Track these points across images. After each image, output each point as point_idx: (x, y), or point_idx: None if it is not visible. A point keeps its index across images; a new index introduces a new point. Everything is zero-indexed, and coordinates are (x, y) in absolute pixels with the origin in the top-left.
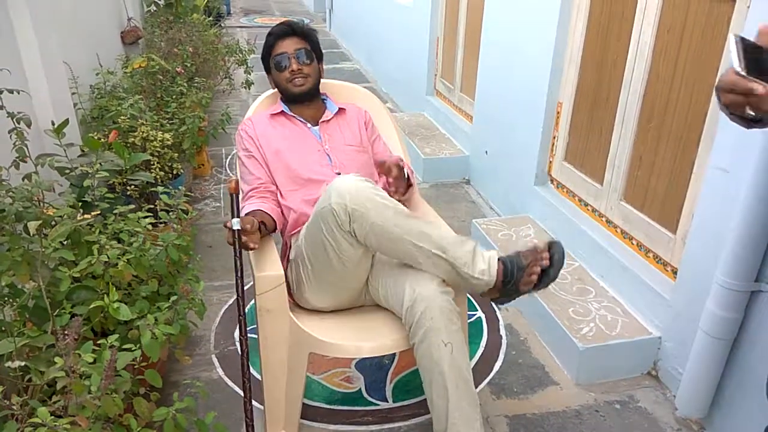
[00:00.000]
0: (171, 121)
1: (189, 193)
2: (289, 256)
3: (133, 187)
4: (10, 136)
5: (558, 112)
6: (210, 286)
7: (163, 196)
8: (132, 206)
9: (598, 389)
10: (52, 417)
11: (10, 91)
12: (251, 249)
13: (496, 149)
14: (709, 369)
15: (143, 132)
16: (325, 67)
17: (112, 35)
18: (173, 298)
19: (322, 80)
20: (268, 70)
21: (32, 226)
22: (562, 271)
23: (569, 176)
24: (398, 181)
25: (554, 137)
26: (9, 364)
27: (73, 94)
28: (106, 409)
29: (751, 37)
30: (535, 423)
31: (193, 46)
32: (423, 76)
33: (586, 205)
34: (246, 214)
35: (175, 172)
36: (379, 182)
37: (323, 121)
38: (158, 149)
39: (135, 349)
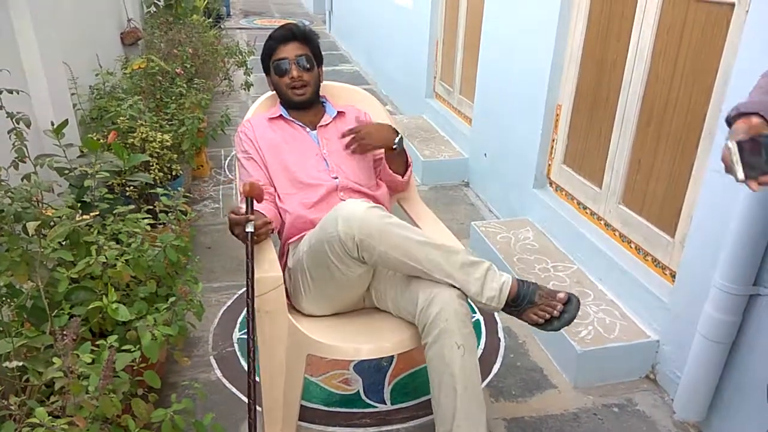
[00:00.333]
0: (170, 122)
1: (188, 194)
2: (286, 262)
3: (132, 188)
4: (10, 137)
5: (557, 115)
6: (209, 288)
7: (162, 198)
8: (131, 207)
9: (596, 392)
10: (50, 417)
11: (10, 92)
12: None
13: (495, 152)
14: (708, 372)
15: (142, 133)
16: (324, 69)
17: (111, 36)
18: (172, 299)
19: (321, 83)
20: (267, 71)
21: (31, 226)
22: (560, 273)
23: (568, 179)
24: (357, 140)
25: (553, 140)
26: (7, 364)
27: (72, 94)
28: (104, 410)
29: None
30: (534, 426)
31: (193, 48)
32: (422, 79)
33: (585, 208)
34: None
35: (174, 173)
36: (380, 187)
37: (321, 126)
38: (157, 150)
39: (134, 350)
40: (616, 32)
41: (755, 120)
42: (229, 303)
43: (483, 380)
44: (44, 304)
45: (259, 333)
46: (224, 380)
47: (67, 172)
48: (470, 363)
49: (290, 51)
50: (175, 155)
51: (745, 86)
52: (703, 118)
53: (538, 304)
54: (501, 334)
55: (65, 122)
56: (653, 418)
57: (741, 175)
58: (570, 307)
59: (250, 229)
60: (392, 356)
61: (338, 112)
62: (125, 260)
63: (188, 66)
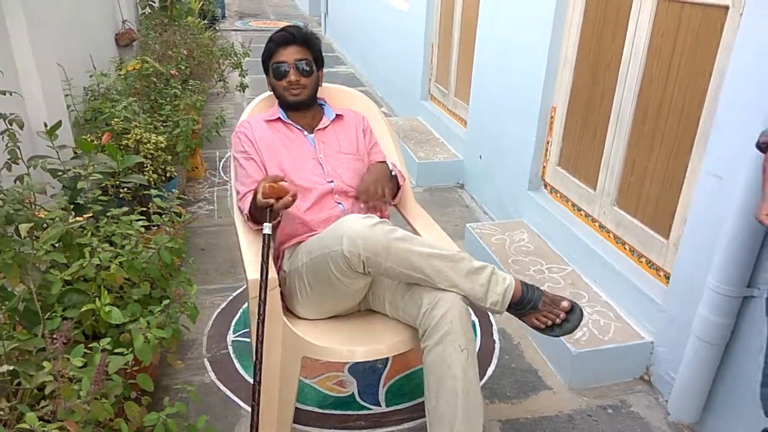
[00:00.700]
0: (165, 124)
1: (182, 197)
2: (281, 265)
3: (125, 189)
4: (2, 138)
5: (552, 117)
6: (203, 290)
7: (156, 199)
8: (125, 209)
9: (590, 394)
10: (41, 422)
11: (3, 93)
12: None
13: (490, 154)
14: (702, 374)
15: (137, 134)
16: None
17: (106, 37)
18: (165, 302)
19: (320, 86)
20: (266, 72)
21: (23, 228)
22: (555, 275)
23: (563, 181)
24: (376, 201)
25: (548, 142)
26: None
27: (66, 95)
28: (96, 414)
29: None
30: (528, 428)
31: (188, 49)
32: (418, 81)
33: (579, 210)
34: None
35: (168, 174)
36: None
37: (319, 129)
38: (151, 152)
39: (127, 353)
40: (611, 34)
41: None
42: (223, 305)
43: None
44: (36, 307)
45: (253, 335)
46: (218, 383)
47: (60, 173)
48: (471, 367)
49: (290, 54)
50: (170, 157)
51: (739, 89)
52: (697, 121)
53: (541, 311)
54: (496, 336)
55: (58, 123)
56: (647, 419)
57: None
58: (573, 316)
59: (267, 231)
60: (387, 358)
61: (336, 115)
62: (119, 262)
63: (183, 67)
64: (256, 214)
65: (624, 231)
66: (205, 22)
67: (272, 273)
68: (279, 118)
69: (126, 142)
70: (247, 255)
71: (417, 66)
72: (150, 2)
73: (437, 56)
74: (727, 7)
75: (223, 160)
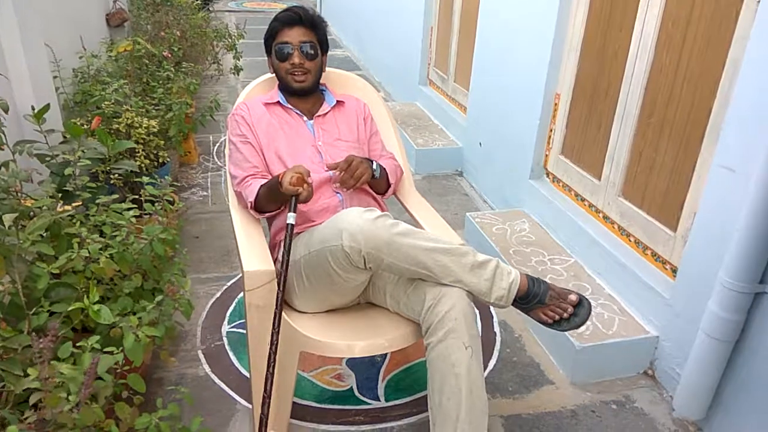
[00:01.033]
0: (157, 107)
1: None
2: (277, 256)
3: (116, 175)
4: None
5: (555, 104)
6: (196, 279)
7: (148, 187)
8: (115, 196)
9: (594, 389)
10: None
11: None
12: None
13: (490, 141)
14: (709, 371)
15: (128, 118)
16: None
17: (96, 17)
18: (158, 297)
19: (324, 71)
20: (268, 52)
21: (8, 218)
22: (557, 267)
23: (566, 170)
24: (345, 177)
25: (551, 130)
26: None
27: (55, 77)
28: (85, 420)
29: None
30: (531, 423)
31: (181, 30)
32: (416, 65)
33: (583, 200)
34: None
35: (160, 160)
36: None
37: (318, 116)
38: (143, 136)
39: (117, 353)
40: (619, 22)
41: None
42: (217, 295)
43: None
44: (22, 302)
45: (249, 329)
46: (213, 376)
47: (48, 159)
48: (476, 365)
49: (294, 36)
50: (162, 142)
51: (754, 80)
52: (708, 112)
53: (548, 305)
54: (497, 328)
55: (46, 107)
56: (652, 415)
57: None
58: (581, 310)
59: (291, 221)
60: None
61: (337, 102)
62: (109, 255)
63: (176, 49)
64: (265, 203)
65: (629, 222)
66: (198, 2)
67: (269, 266)
68: (278, 102)
69: (117, 126)
70: (244, 245)
71: (415, 50)
72: None
73: (436, 40)
74: None
75: (217, 144)
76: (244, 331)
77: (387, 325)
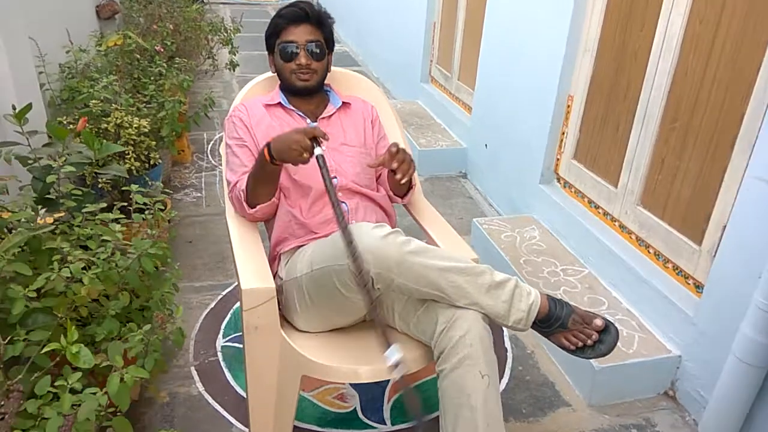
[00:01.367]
0: (148, 105)
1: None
2: (277, 271)
3: (105, 179)
4: None
5: (568, 106)
6: (189, 287)
7: (136, 196)
8: (102, 205)
9: (612, 411)
10: None
11: None
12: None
13: (497, 143)
14: (740, 397)
15: (117, 118)
16: None
17: (86, 9)
18: (146, 327)
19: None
20: (270, 50)
21: None
22: (570, 278)
23: (579, 176)
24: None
25: (563, 133)
26: None
27: (40, 73)
28: None
29: None
30: None
31: (174, 23)
32: (417, 62)
33: (597, 207)
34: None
35: (152, 162)
36: (380, 189)
37: (323, 118)
38: (134, 137)
39: (101, 395)
40: (640, 20)
41: None
42: (212, 305)
43: None
44: None
45: (247, 350)
46: (207, 395)
47: (30, 162)
48: (494, 396)
49: (301, 34)
50: (154, 142)
51: None
52: (740, 119)
53: (571, 330)
54: (507, 344)
55: (28, 107)
56: None
57: None
58: (607, 337)
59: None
60: None
61: (343, 103)
62: (94, 274)
63: (169, 43)
64: (254, 185)
65: (648, 233)
66: None
67: (268, 282)
68: (279, 103)
69: (105, 125)
70: (241, 259)
71: (417, 46)
72: None
73: (439, 36)
74: None
75: (212, 143)
76: (240, 346)
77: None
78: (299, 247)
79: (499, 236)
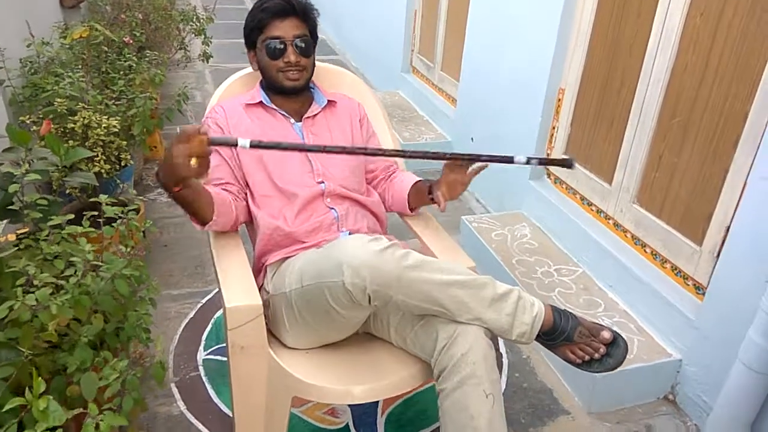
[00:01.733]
0: (117, 102)
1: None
2: (263, 284)
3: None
4: None
5: (559, 99)
6: (167, 296)
7: (106, 208)
8: (70, 216)
9: (612, 418)
10: None
11: None
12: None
13: (484, 136)
14: (747, 404)
15: (84, 118)
16: None
17: None
18: (123, 363)
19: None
20: (251, 47)
21: None
22: (565, 278)
23: (570, 172)
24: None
25: (554, 127)
26: None
27: None
28: None
29: None
30: None
31: (143, 12)
32: (398, 51)
33: (590, 204)
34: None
35: (123, 163)
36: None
37: (307, 117)
38: (102, 138)
39: None
40: (635, 11)
41: None
42: (191, 314)
43: None
44: None
45: (233, 371)
46: (189, 414)
47: None
48: (498, 415)
49: (287, 29)
50: (124, 142)
51: None
52: (744, 117)
53: (577, 343)
54: (503, 349)
55: None
56: None
57: None
58: (616, 350)
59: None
60: None
61: (328, 101)
62: (62, 301)
63: (138, 34)
64: (186, 209)
65: (645, 232)
66: None
67: (254, 299)
68: (260, 102)
69: (72, 125)
70: (224, 275)
71: (397, 35)
72: None
73: (420, 25)
74: None
75: None
76: (223, 358)
77: (391, 364)
78: (286, 258)
79: (490, 235)
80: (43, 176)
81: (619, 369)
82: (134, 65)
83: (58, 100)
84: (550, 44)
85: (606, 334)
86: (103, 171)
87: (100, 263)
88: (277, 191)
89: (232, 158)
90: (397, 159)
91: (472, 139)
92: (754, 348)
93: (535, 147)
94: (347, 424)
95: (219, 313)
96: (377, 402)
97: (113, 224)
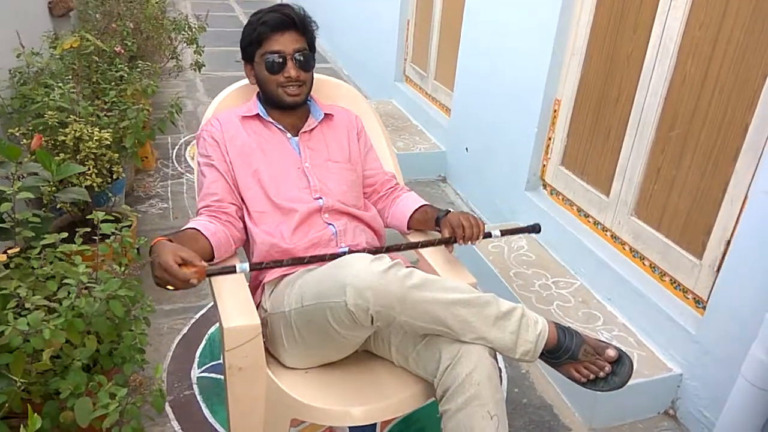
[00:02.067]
0: (109, 113)
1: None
2: (261, 302)
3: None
4: None
5: (555, 111)
6: (159, 311)
7: (102, 225)
8: (63, 235)
9: None
10: None
11: None
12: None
13: (478, 146)
14: (751, 421)
15: (76, 130)
16: None
17: (37, 7)
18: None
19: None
20: (249, 60)
21: None
22: (563, 291)
23: (567, 183)
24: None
25: (550, 138)
26: None
27: None
28: None
29: None
30: None
31: (135, 21)
32: (391, 60)
33: (587, 216)
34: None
35: (114, 176)
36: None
37: (304, 132)
38: (94, 150)
39: None
40: (632, 23)
41: None
42: (184, 330)
43: None
44: None
45: (230, 392)
46: None
47: None
48: None
49: (287, 43)
50: (116, 154)
51: None
52: (744, 129)
53: (582, 361)
54: (502, 365)
55: None
56: None
57: None
58: (621, 368)
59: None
60: None
61: (325, 115)
62: (55, 326)
63: (129, 43)
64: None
65: (644, 245)
66: None
67: (252, 319)
68: (257, 115)
69: (63, 138)
70: (221, 294)
71: (390, 43)
72: None
73: (414, 34)
74: None
75: (177, 147)
76: (217, 376)
77: (391, 384)
78: (285, 275)
79: (486, 246)
80: (35, 193)
81: None
82: (126, 75)
83: (49, 112)
84: (546, 55)
85: (611, 352)
86: (94, 184)
87: (94, 282)
88: (274, 207)
89: (228, 172)
90: (396, 173)
91: (466, 149)
92: (757, 364)
93: (531, 158)
94: None
95: (213, 329)
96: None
97: (107, 240)
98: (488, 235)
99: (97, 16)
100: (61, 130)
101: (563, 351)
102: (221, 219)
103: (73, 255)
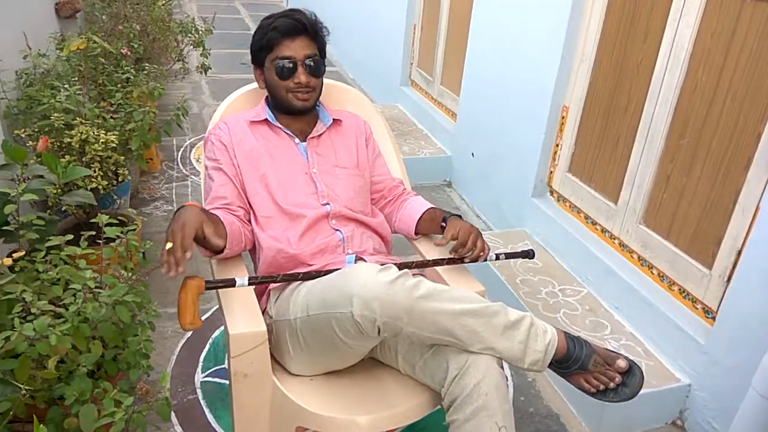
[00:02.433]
0: (115, 116)
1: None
2: (266, 308)
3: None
4: None
5: (563, 117)
6: (164, 313)
7: (107, 229)
8: (68, 237)
9: None
10: None
11: None
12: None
13: (485, 152)
14: None
15: (82, 133)
16: None
17: (44, 8)
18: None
19: None
20: (259, 65)
21: None
22: (570, 299)
23: (574, 190)
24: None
25: (557, 144)
26: None
27: None
28: None
29: None
30: None
31: (141, 24)
32: (397, 64)
33: (595, 224)
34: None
35: (120, 178)
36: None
37: (312, 137)
38: (100, 153)
39: None
40: (643, 31)
41: None
42: (188, 334)
43: None
44: None
45: (235, 399)
46: None
47: None
48: None
49: (299, 48)
50: (122, 157)
51: None
52: (756, 138)
53: (592, 372)
54: (508, 373)
55: None
56: None
57: None
58: (631, 379)
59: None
60: None
61: (333, 120)
62: (61, 331)
63: (135, 45)
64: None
65: (652, 254)
66: None
67: (258, 326)
68: (265, 120)
69: (69, 140)
70: (227, 300)
71: (396, 48)
72: None
73: (420, 39)
74: None
75: (182, 149)
76: (221, 381)
77: (398, 393)
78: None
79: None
80: (40, 195)
81: None
82: (132, 78)
83: (55, 114)
84: (554, 61)
85: (622, 363)
86: (100, 187)
87: (100, 287)
88: (281, 212)
89: (237, 176)
90: (403, 178)
91: (472, 154)
92: None
93: (538, 164)
94: None
95: (217, 332)
96: None
97: (112, 242)
98: (485, 259)
99: (104, 17)
100: (67, 132)
101: (573, 361)
102: (230, 216)
103: (77, 258)
